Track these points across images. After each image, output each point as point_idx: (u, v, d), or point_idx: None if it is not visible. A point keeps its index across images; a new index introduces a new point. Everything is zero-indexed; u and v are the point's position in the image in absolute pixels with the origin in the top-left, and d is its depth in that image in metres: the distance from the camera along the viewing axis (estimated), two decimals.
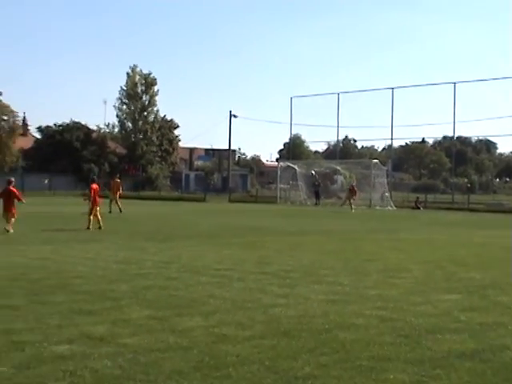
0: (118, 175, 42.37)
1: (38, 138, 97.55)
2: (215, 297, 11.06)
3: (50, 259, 15.99)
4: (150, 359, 7.22)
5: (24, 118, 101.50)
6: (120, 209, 37.81)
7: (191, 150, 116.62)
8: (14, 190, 24.24)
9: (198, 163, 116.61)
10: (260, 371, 6.89)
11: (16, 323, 8.78)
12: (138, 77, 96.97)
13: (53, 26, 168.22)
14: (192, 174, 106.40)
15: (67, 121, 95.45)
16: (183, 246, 19.77)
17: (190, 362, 7.16)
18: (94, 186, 26.67)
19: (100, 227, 25.47)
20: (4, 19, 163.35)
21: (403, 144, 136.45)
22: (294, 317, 9.63)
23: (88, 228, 25.17)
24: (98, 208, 25.92)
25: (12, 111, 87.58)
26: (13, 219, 23.37)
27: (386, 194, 58.98)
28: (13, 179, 24.92)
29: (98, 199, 26.19)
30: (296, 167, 66.79)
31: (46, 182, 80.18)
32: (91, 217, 25.62)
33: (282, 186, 67.75)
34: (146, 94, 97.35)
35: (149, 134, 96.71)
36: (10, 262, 15.34)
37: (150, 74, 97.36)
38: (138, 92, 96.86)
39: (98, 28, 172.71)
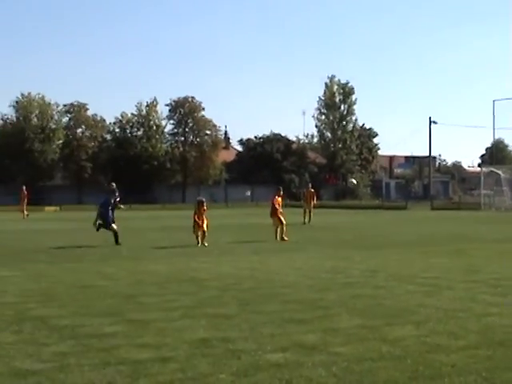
0: (310, 185, 42.24)
1: (239, 151, 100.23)
2: (425, 306, 10.89)
3: (258, 269, 16.34)
4: (364, 368, 7.18)
5: (226, 131, 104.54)
6: (307, 220, 37.67)
7: (391, 158, 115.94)
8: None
9: (398, 171, 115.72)
10: (477, 382, 6.70)
11: (231, 332, 9.02)
12: (335, 87, 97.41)
13: (251, 41, 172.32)
14: (392, 182, 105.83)
15: (267, 133, 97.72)
16: (388, 255, 19.65)
17: (405, 371, 7.07)
18: (277, 198, 26.57)
19: (276, 237, 25.26)
20: (205, 38, 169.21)
21: None
22: (508, 326, 9.32)
23: (275, 238, 25.15)
24: (277, 219, 25.72)
25: (214, 126, 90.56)
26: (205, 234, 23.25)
27: None
28: (203, 199, 24.37)
29: (276, 211, 25.88)
30: (500, 172, 64.69)
31: (249, 193, 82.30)
32: (278, 228, 25.50)
33: (485, 192, 65.84)
34: (344, 104, 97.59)
35: (348, 143, 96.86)
36: (221, 272, 15.80)
37: (347, 83, 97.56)
38: (336, 102, 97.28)
39: (296, 40, 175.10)
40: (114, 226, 23.50)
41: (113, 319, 9.91)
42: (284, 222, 25.60)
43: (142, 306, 11.15)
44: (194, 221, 23.29)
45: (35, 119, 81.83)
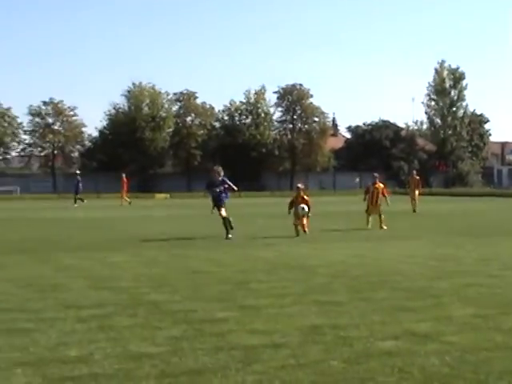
0: (415, 172, 41.06)
1: (347, 138, 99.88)
2: None
3: (367, 256, 16.27)
4: (478, 358, 7.03)
5: (334, 118, 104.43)
6: (414, 208, 36.63)
7: (503, 145, 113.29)
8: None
9: (511, 158, 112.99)
10: None
11: (341, 319, 8.99)
12: (446, 72, 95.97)
13: (359, 29, 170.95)
14: (504, 169, 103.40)
15: (376, 120, 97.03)
16: (501, 243, 19.23)
17: None
18: (377, 185, 26.23)
19: (381, 226, 24.78)
20: (314, 26, 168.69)
21: None
22: None
23: (379, 227, 24.68)
24: (375, 207, 25.57)
25: (322, 113, 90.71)
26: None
27: None
28: (300, 186, 23.05)
29: (374, 198, 25.73)
30: None
31: (357, 180, 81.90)
32: (381, 217, 25.14)
33: None
34: (455, 89, 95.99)
35: (458, 129, 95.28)
36: (330, 259, 15.76)
37: (457, 68, 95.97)
38: (447, 87, 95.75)
39: (405, 25, 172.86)
40: (223, 212, 21.92)
41: (224, 305, 10.02)
42: (369, 212, 25.71)
43: (252, 292, 11.23)
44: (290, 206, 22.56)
45: (146, 108, 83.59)
